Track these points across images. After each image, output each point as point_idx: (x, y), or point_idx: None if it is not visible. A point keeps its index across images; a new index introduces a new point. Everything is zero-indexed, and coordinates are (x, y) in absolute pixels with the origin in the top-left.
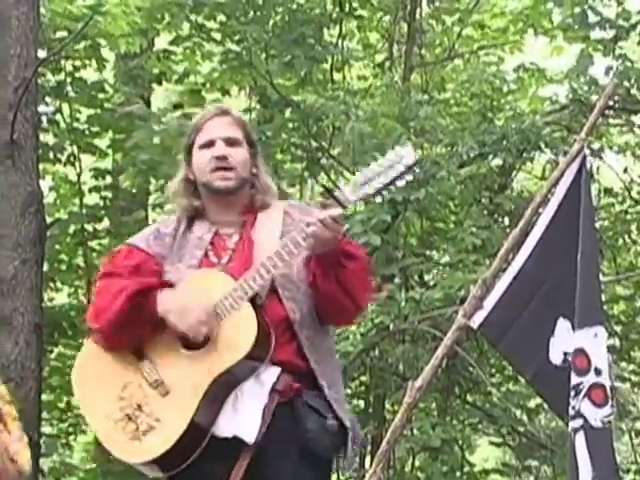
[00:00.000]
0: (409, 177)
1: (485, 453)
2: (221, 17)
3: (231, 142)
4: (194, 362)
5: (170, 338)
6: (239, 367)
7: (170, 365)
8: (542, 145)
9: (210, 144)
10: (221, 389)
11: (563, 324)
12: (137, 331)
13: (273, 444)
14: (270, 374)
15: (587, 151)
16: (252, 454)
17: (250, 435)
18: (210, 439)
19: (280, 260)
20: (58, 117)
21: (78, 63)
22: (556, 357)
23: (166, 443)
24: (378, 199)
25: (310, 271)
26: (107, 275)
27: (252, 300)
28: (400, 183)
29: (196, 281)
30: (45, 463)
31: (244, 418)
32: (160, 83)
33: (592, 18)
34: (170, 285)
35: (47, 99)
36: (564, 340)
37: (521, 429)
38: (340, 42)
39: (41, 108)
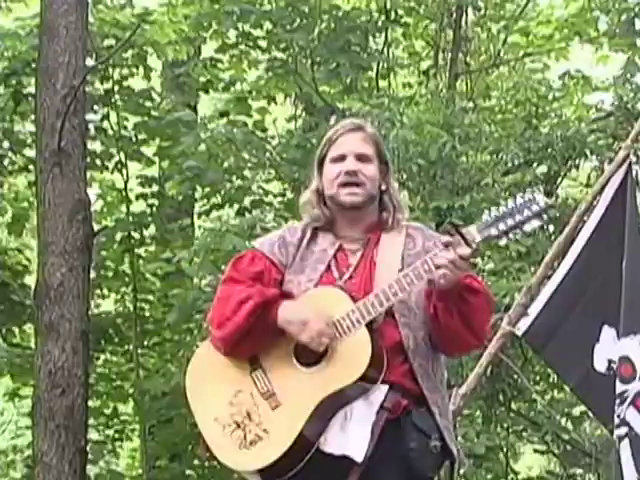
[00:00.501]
0: (537, 222)
1: (530, 461)
2: (267, 25)
3: (362, 158)
4: (307, 378)
5: (285, 351)
6: (350, 388)
7: (283, 378)
8: (587, 152)
9: (341, 158)
10: (330, 406)
11: (608, 331)
12: (257, 342)
13: (378, 461)
14: (379, 393)
15: (633, 158)
16: (360, 472)
17: (359, 454)
18: (316, 453)
19: (400, 289)
20: (105, 125)
21: (126, 71)
22: (600, 364)
23: (272, 455)
24: (503, 241)
25: (431, 303)
26: (230, 280)
27: (368, 323)
28: (527, 228)
29: (316, 297)
30: (92, 470)
31: (353, 437)
32: (207, 91)
33: (638, 26)
34: (291, 297)
35: (95, 107)
36: (609, 347)
37: (566, 437)
38: (385, 49)
39: (89, 116)
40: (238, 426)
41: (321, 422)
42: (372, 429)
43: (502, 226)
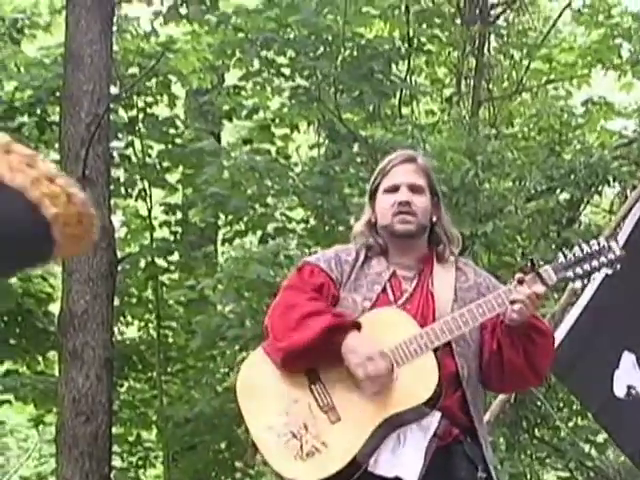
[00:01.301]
0: (609, 270)
1: None
2: (290, 52)
3: (415, 189)
4: (369, 397)
5: (347, 368)
6: (411, 411)
7: (344, 393)
8: (610, 179)
9: (394, 189)
10: (387, 429)
11: (628, 357)
12: (317, 361)
13: None
14: (433, 419)
15: None
16: None
17: (412, 477)
18: (363, 473)
19: (472, 319)
20: (129, 152)
21: (150, 99)
22: (620, 390)
23: (327, 470)
24: (577, 284)
25: (495, 340)
26: (294, 288)
27: (433, 350)
28: (600, 274)
29: (380, 318)
30: None
31: (407, 460)
32: (230, 119)
33: None
34: (359, 326)
35: (119, 135)
36: (629, 374)
37: (589, 464)
38: (408, 77)
39: (113, 144)
40: (294, 436)
41: (373, 444)
42: (425, 454)
43: (578, 270)
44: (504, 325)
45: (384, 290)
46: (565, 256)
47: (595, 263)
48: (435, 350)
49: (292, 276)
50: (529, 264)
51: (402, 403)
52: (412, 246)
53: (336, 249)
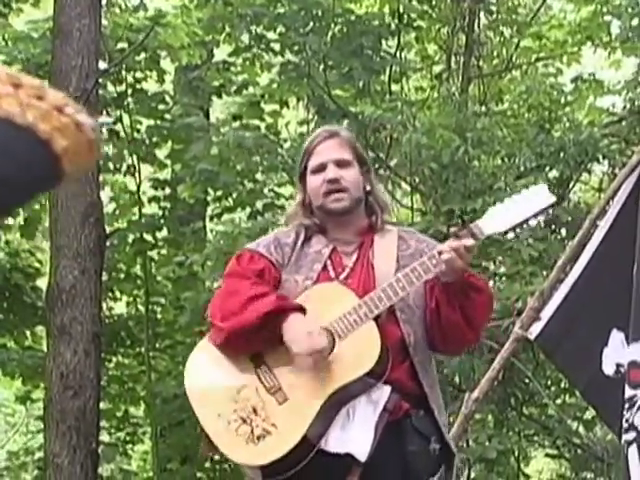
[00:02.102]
0: (541, 217)
1: (540, 465)
2: (280, 28)
3: (342, 164)
4: (314, 373)
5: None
6: (356, 383)
7: (289, 373)
8: (600, 157)
9: (322, 168)
10: (334, 403)
11: (617, 335)
12: (258, 345)
13: (379, 462)
14: (382, 393)
15: None
16: (361, 471)
17: (362, 453)
18: (317, 453)
19: (408, 283)
20: (118, 128)
21: (139, 74)
22: (609, 368)
23: (279, 451)
24: (509, 235)
25: (433, 297)
26: (235, 275)
27: (374, 319)
28: (533, 222)
29: (320, 295)
30: (103, 471)
31: (357, 436)
32: (219, 95)
33: None
34: (303, 309)
35: (108, 110)
36: (617, 352)
37: (577, 441)
38: (398, 53)
39: (102, 119)
40: (244, 421)
41: (324, 422)
42: (375, 430)
43: (509, 221)
44: (441, 283)
45: (325, 268)
46: (495, 208)
47: (526, 212)
48: (377, 319)
49: (231, 264)
50: (462, 222)
51: (346, 375)
52: (349, 221)
53: (275, 233)
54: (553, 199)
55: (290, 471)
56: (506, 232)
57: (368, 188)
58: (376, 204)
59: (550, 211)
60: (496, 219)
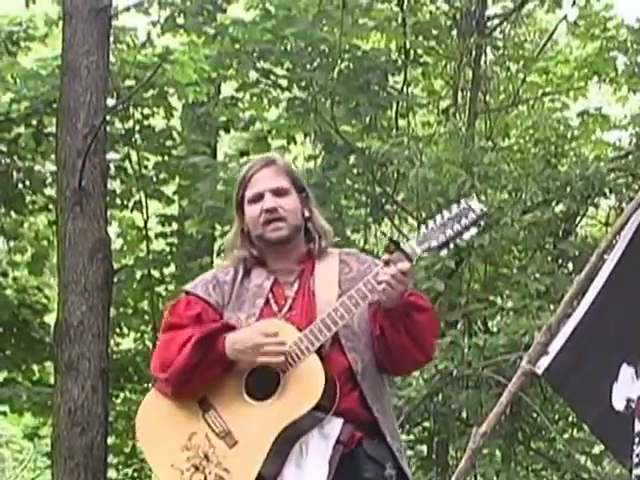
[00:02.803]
0: (474, 230)
1: None
2: (287, 64)
3: (279, 192)
4: (261, 412)
5: (235, 388)
6: (304, 419)
7: (237, 415)
8: (607, 191)
9: (259, 198)
10: (286, 441)
11: (627, 370)
12: (204, 379)
13: None
14: (334, 426)
15: None
16: None
17: None
18: None
19: (346, 312)
20: (126, 164)
21: (147, 111)
22: (619, 403)
23: None
24: (444, 252)
25: (377, 324)
26: (171, 327)
27: (316, 351)
28: (466, 236)
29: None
30: None
31: (311, 472)
32: (227, 130)
33: None
34: (234, 328)
35: (116, 146)
36: (627, 387)
37: (585, 476)
38: (405, 89)
39: (109, 155)
40: (197, 469)
41: (278, 459)
42: (329, 465)
43: (442, 237)
44: (382, 309)
45: (267, 302)
46: (427, 226)
47: (457, 227)
48: (321, 349)
49: (165, 316)
50: (391, 244)
51: (293, 412)
52: (289, 250)
53: (215, 271)
54: (484, 209)
55: None
56: (440, 248)
57: (307, 214)
58: (314, 231)
59: (482, 224)
60: (428, 236)
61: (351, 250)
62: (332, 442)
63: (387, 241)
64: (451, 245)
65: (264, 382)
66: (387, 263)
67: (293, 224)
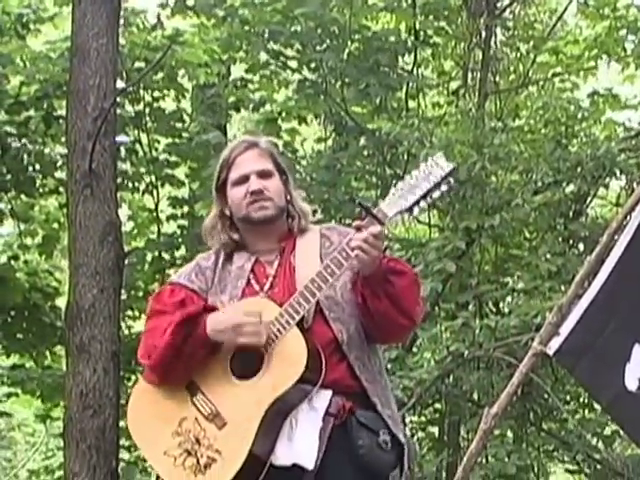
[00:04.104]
0: (444, 187)
1: None
2: (297, 45)
3: (264, 174)
4: (247, 391)
5: (221, 370)
6: (291, 393)
7: (224, 396)
8: (617, 172)
9: (244, 180)
10: (276, 416)
11: (639, 350)
12: (189, 362)
13: (331, 466)
14: (323, 398)
15: None
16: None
17: (309, 461)
18: (269, 468)
19: (323, 282)
20: (136, 147)
21: (157, 94)
22: (632, 383)
23: (229, 474)
24: (415, 212)
25: (358, 292)
26: (155, 314)
27: (299, 324)
28: (436, 194)
29: (241, 309)
30: None
31: (302, 445)
32: (238, 110)
33: None
34: (214, 309)
35: (126, 129)
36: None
37: (597, 456)
38: (415, 70)
39: (119, 138)
40: (189, 454)
41: (269, 437)
42: (320, 435)
43: (411, 197)
44: (361, 276)
45: (248, 282)
46: (396, 188)
47: (426, 185)
48: (303, 323)
49: (150, 304)
50: (361, 208)
51: (278, 387)
52: (272, 230)
53: (197, 258)
54: (452, 166)
55: None
56: (411, 209)
57: (288, 197)
58: (295, 211)
59: (451, 180)
60: (398, 198)
61: (331, 224)
62: (321, 414)
63: (358, 207)
64: (422, 204)
65: (249, 361)
66: (359, 229)
67: (278, 205)
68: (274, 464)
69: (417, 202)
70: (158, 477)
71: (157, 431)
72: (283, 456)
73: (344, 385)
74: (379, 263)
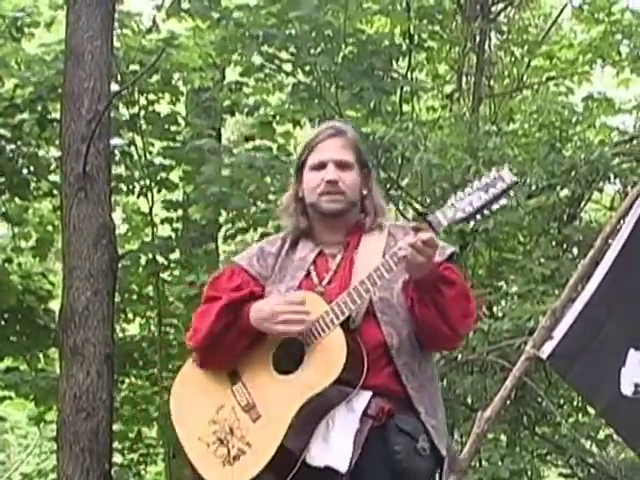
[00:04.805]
0: (504, 201)
1: None
2: (292, 49)
3: (342, 165)
4: (285, 387)
5: (263, 362)
6: (330, 393)
7: (262, 389)
8: (611, 176)
9: (321, 166)
10: (312, 415)
11: (634, 355)
12: (231, 346)
13: (367, 468)
14: (361, 400)
15: None
16: None
17: (342, 465)
18: (303, 466)
19: (372, 284)
20: (131, 150)
21: (152, 97)
22: (627, 388)
23: (255, 467)
24: (471, 223)
25: (408, 296)
26: (209, 299)
27: (345, 323)
28: (494, 207)
29: None
30: None
31: (336, 447)
32: (232, 113)
33: None
34: (261, 296)
35: (120, 132)
36: (635, 371)
37: (590, 460)
38: (409, 73)
39: (114, 141)
40: (222, 443)
41: (304, 434)
42: (355, 438)
43: (469, 208)
44: (412, 281)
45: (308, 274)
46: (455, 196)
47: (486, 197)
48: (347, 324)
49: (207, 288)
50: (418, 214)
51: (313, 386)
52: (340, 223)
53: (262, 242)
54: (514, 179)
55: None
56: (468, 219)
57: (364, 192)
58: (371, 207)
59: (512, 193)
60: (456, 206)
61: (401, 223)
62: (358, 415)
63: (416, 213)
64: (478, 216)
65: (292, 355)
66: (417, 231)
67: (350, 199)
68: (308, 463)
69: (474, 214)
70: (189, 461)
71: (195, 415)
72: (317, 457)
73: (387, 389)
74: (431, 270)
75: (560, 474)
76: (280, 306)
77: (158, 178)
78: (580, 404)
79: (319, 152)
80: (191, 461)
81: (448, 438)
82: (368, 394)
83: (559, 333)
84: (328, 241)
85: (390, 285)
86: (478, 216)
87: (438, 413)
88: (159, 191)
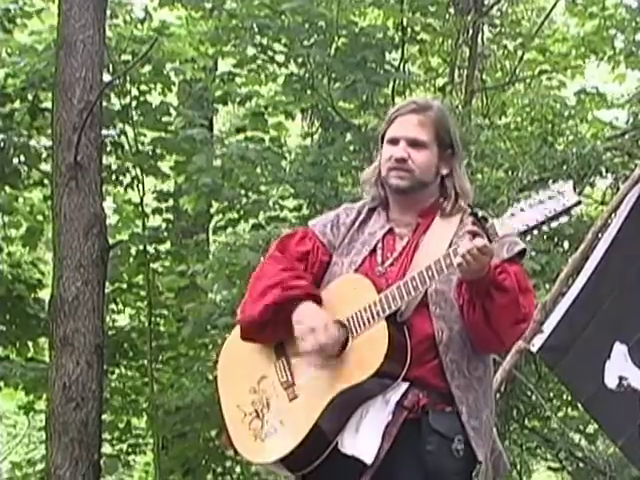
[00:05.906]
0: (563, 219)
1: (543, 478)
2: (285, 40)
3: (415, 143)
4: (322, 372)
5: None
6: (369, 384)
7: (302, 370)
8: (603, 170)
9: (394, 142)
10: (348, 402)
11: (620, 348)
12: (272, 336)
13: (394, 463)
14: (397, 391)
15: None
16: (373, 474)
17: (368, 456)
18: (335, 451)
19: (422, 283)
20: (122, 140)
21: (143, 87)
22: (611, 381)
23: (285, 449)
24: (527, 238)
25: (460, 294)
26: (273, 258)
27: (393, 315)
28: (554, 224)
29: (343, 288)
30: None
31: (364, 439)
32: (225, 103)
33: None
34: (315, 296)
35: (112, 122)
36: (620, 365)
37: (579, 454)
38: (402, 66)
39: (105, 131)
40: (257, 415)
41: (339, 419)
42: (386, 429)
43: (529, 221)
44: (465, 281)
45: (374, 251)
46: (517, 207)
47: (547, 213)
48: (395, 315)
49: (274, 244)
50: (477, 218)
51: (354, 376)
52: (411, 202)
53: (339, 210)
54: (577, 199)
55: (309, 466)
56: (525, 233)
57: (445, 172)
58: (452, 188)
59: (572, 212)
60: (515, 219)
61: (479, 210)
62: (391, 407)
63: (471, 215)
64: (535, 232)
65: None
66: (474, 235)
67: (419, 179)
68: (339, 449)
69: (531, 229)
70: (225, 428)
71: (238, 381)
72: (347, 445)
73: (427, 383)
74: (485, 274)
75: (549, 467)
76: (305, 327)
77: (148, 166)
78: (569, 398)
79: (396, 126)
80: (227, 427)
81: (497, 444)
82: (404, 385)
83: (549, 326)
84: (399, 220)
85: (449, 277)
86: (535, 231)
87: (482, 415)
88: (149, 175)
